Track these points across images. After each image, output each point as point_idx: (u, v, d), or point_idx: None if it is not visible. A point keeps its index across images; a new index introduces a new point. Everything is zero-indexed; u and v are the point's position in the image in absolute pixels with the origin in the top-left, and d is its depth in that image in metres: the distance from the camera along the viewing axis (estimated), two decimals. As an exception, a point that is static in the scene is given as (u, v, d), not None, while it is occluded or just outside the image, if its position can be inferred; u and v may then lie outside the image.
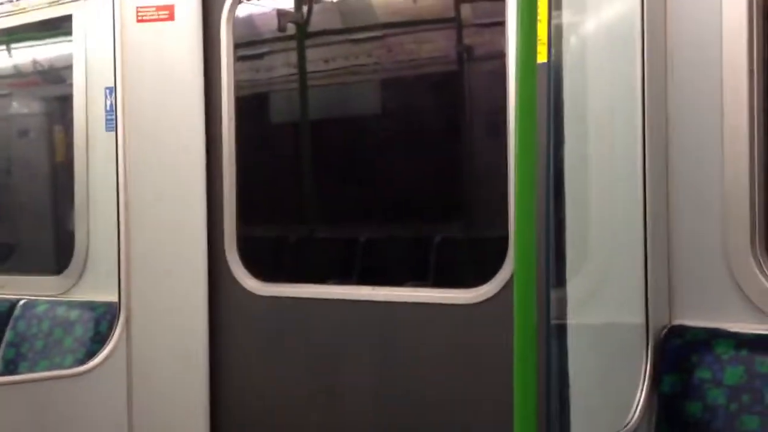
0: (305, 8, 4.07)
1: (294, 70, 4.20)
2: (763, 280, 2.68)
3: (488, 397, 3.10)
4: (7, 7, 4.37)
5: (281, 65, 4.34)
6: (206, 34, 3.82)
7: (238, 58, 3.89)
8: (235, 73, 3.84)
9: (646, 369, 2.72)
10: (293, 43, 4.15)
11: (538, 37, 2.06)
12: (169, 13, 3.80)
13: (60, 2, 4.23)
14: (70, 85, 4.24)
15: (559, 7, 2.21)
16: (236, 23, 3.85)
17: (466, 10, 3.88)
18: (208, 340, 3.83)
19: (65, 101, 4.34)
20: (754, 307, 2.69)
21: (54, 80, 4.85)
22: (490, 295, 3.17)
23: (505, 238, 3.11)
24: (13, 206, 4.91)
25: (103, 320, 3.91)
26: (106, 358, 3.76)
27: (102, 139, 4.04)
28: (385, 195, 4.01)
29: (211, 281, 3.84)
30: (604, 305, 2.65)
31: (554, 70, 2.17)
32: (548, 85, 2.14)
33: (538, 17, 2.05)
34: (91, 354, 3.82)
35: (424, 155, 3.87)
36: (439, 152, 3.88)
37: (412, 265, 3.99)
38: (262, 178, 4.12)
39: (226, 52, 3.81)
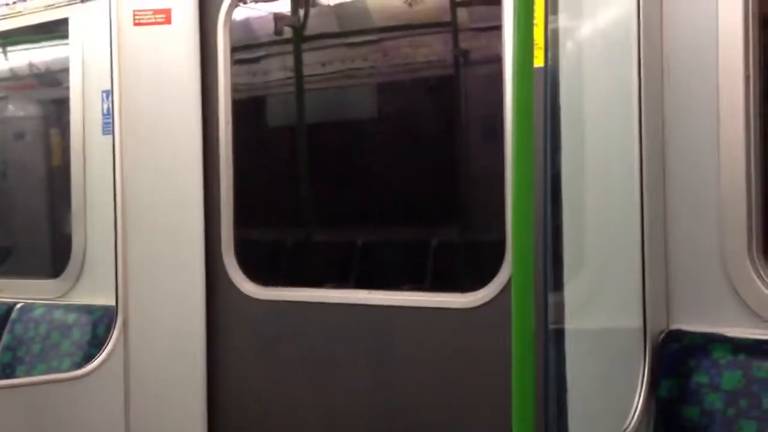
0: (302, 12, 4.08)
1: (291, 74, 4.20)
2: (760, 284, 2.69)
3: (486, 402, 3.10)
4: (4, 10, 4.36)
5: (278, 69, 4.33)
6: (203, 38, 3.83)
7: (235, 62, 3.90)
8: (232, 76, 3.84)
9: (643, 373, 2.72)
10: (290, 47, 4.14)
11: (535, 42, 2.05)
12: (166, 17, 3.79)
13: (56, 5, 4.22)
14: (67, 89, 4.24)
15: (555, 11, 2.22)
16: (233, 27, 3.85)
17: (462, 14, 3.87)
18: (206, 343, 3.83)
19: (62, 104, 4.34)
20: (751, 312, 2.70)
21: (51, 83, 4.84)
22: (487, 299, 3.17)
23: (503, 242, 3.11)
24: (10, 209, 4.91)
25: (101, 324, 3.91)
26: (104, 361, 3.75)
27: (99, 143, 4.03)
28: (383, 199, 4.00)
29: (209, 285, 3.84)
30: (601, 309, 2.65)
31: (551, 75, 2.18)
32: (545, 89, 2.15)
33: (535, 21, 2.05)
34: (88, 357, 3.82)
35: (421, 159, 3.86)
36: (436, 156, 3.87)
37: (410, 269, 3.98)
38: (259, 181, 4.11)
39: (223, 56, 3.81)
